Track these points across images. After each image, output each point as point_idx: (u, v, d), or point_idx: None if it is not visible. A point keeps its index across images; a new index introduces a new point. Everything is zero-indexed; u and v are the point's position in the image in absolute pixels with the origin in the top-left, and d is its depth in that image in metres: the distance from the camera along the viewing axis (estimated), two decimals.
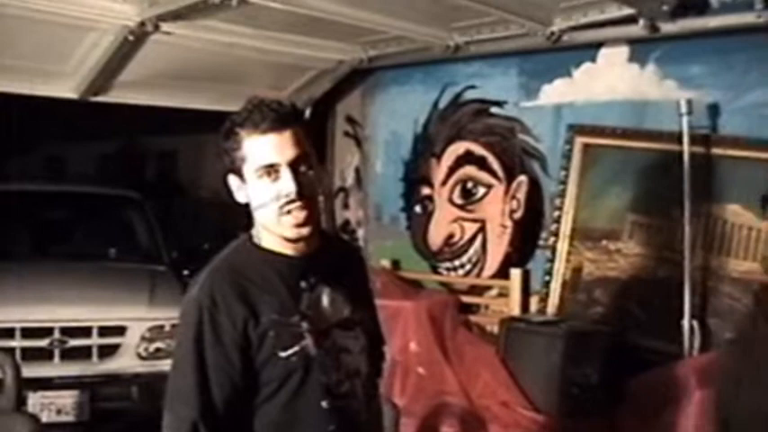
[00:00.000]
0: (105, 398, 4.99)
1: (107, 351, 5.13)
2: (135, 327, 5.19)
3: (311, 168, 2.06)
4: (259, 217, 2.06)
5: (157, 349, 5.24)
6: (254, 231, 2.12)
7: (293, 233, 2.04)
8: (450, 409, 4.20)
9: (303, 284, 2.08)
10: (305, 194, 2.01)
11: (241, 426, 2.02)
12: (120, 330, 5.17)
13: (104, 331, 5.12)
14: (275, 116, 2.00)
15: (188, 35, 4.13)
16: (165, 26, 3.97)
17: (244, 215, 2.11)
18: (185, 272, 7.11)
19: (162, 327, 5.25)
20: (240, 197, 2.09)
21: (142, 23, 3.89)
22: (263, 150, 2.00)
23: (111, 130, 12.48)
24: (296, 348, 2.01)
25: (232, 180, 2.08)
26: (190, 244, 7.89)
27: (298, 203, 2.00)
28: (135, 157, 15.28)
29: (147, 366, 5.17)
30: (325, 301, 2.11)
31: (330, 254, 2.19)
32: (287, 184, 1.99)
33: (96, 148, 14.24)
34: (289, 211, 2.01)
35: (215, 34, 4.20)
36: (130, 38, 3.94)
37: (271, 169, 2.00)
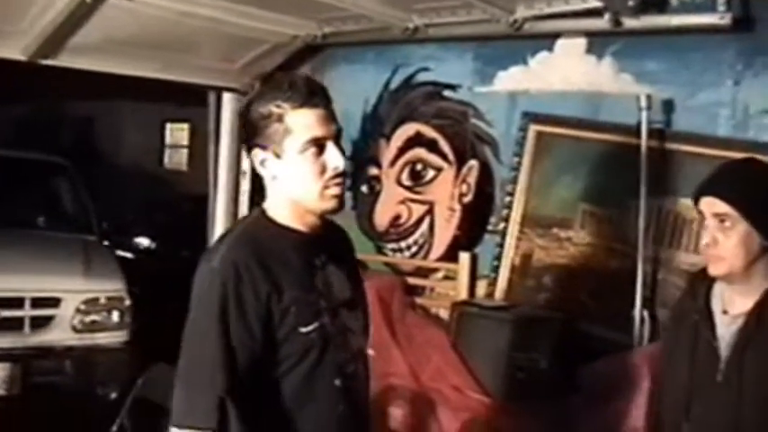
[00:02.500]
0: (38, 371, 4.88)
1: (40, 323, 5.00)
2: (69, 299, 5.07)
3: None
4: (294, 192, 2.07)
5: (93, 322, 5.14)
6: (267, 206, 2.14)
7: (333, 204, 2.08)
8: (399, 392, 4.22)
9: (317, 262, 2.11)
10: (346, 169, 2.08)
11: (258, 401, 2.00)
12: (54, 302, 5.05)
13: (37, 302, 5.00)
14: (323, 92, 2.06)
15: (146, 1, 4.01)
16: None
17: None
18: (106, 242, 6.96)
19: (97, 299, 5.16)
20: (267, 171, 2.08)
21: None
22: (312, 124, 2.04)
23: (26, 94, 12.07)
24: (316, 325, 2.04)
25: (258, 153, 2.07)
26: (111, 214, 7.72)
27: (342, 177, 2.07)
28: (50, 121, 14.84)
29: (81, 340, 5.07)
30: (333, 279, 2.14)
31: (330, 235, 2.22)
32: (336, 158, 2.06)
33: (8, 112, 13.74)
34: (337, 184, 2.06)
35: (173, 2, 4.09)
36: (88, 0, 3.80)
37: (318, 143, 2.01)
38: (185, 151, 15.42)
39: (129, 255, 9.12)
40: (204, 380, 1.94)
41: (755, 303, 2.31)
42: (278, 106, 2.02)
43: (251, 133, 2.08)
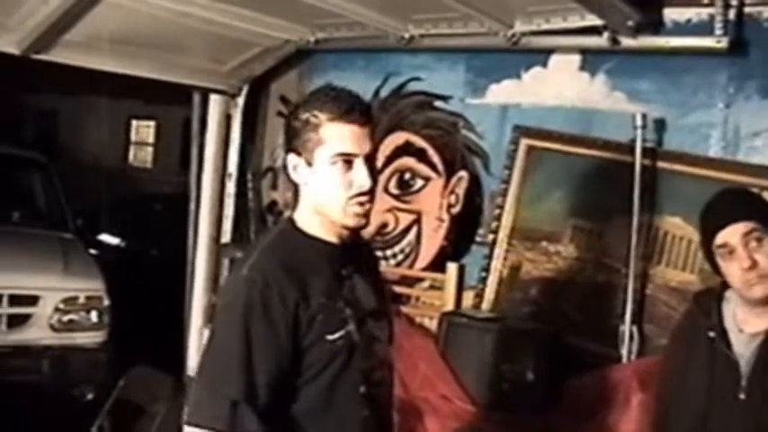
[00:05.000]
0: (14, 370, 4.80)
1: (17, 321, 4.92)
2: (48, 297, 5.00)
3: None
4: (319, 201, 2.10)
5: (71, 321, 5.07)
6: (296, 215, 2.16)
7: (355, 222, 2.11)
8: None
9: (344, 272, 2.14)
10: (373, 189, 2.07)
11: (281, 408, 2.01)
12: (33, 300, 4.98)
13: (15, 300, 4.92)
14: (362, 109, 2.09)
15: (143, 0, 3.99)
16: None
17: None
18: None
19: (77, 298, 5.09)
20: (298, 177, 2.13)
21: None
22: (345, 139, 2.06)
23: None
24: (342, 333, 2.08)
25: (293, 159, 2.12)
26: (76, 210, 7.63)
27: (368, 197, 2.09)
28: (11, 115, 14.59)
29: (59, 339, 5.00)
30: (359, 290, 2.17)
31: (356, 246, 2.25)
32: (363, 177, 2.07)
33: None
34: (360, 203, 2.08)
35: (170, 2, 4.07)
36: None
37: (347, 158, 2.03)
38: (150, 149, 15.34)
39: (95, 252, 9.01)
40: (219, 382, 1.96)
41: None
42: (315, 116, 2.07)
43: (290, 138, 2.14)
